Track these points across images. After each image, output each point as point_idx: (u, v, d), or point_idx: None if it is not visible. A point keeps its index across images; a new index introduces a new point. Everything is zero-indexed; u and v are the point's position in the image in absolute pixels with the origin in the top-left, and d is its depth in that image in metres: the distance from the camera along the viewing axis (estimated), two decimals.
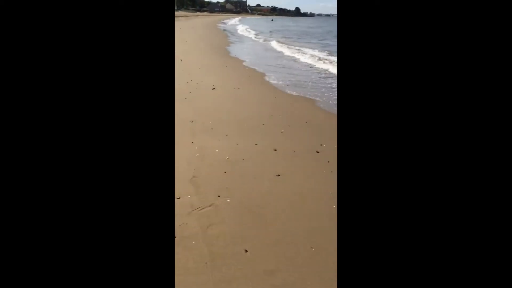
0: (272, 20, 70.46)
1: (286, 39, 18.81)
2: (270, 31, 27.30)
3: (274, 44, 15.59)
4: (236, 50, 12.09)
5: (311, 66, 9.23)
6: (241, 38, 18.93)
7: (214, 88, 5.76)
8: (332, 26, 43.12)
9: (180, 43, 12.43)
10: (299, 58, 10.68)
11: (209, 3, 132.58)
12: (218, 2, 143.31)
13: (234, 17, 76.08)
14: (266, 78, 7.07)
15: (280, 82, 6.71)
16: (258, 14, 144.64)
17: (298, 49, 12.93)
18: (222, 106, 4.76)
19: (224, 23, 41.70)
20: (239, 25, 38.15)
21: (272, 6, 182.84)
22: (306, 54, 11.51)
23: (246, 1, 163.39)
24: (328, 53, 11.88)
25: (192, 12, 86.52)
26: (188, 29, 22.70)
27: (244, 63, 9.07)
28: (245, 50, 12.51)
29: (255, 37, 20.20)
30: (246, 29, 28.48)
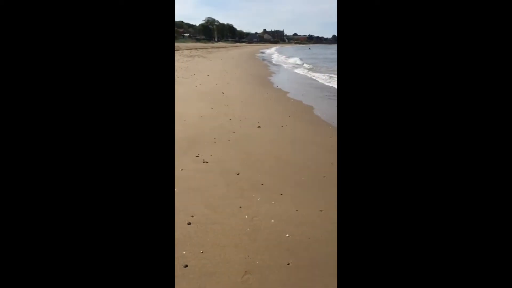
0: (309, 48, 70.71)
1: (328, 70, 18.19)
2: (312, 62, 26.91)
3: (318, 75, 15.00)
4: (278, 81, 11.63)
5: None
6: (280, 67, 18.64)
7: (259, 127, 5.12)
8: None
9: (221, 74, 12.27)
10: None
11: (248, 34, 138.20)
12: (256, 33, 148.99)
13: (271, 46, 77.92)
14: (316, 112, 6.33)
15: (334, 118, 5.93)
16: (295, 43, 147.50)
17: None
18: (270, 150, 4.05)
19: (263, 52, 42.43)
20: (274, 53, 38.53)
21: (309, 35, 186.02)
22: None
23: (283, 31, 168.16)
24: None
25: (231, 43, 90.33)
26: (228, 59, 23.08)
27: (288, 95, 8.46)
28: (287, 81, 12.01)
29: (294, 66, 19.86)
30: (283, 57, 28.45)
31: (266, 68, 17.71)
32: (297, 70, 16.74)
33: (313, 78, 13.06)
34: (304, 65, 20.11)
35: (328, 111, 6.50)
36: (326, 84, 11.06)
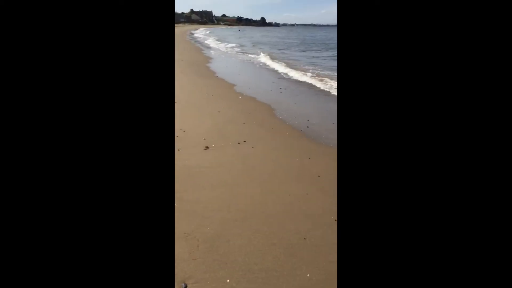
0: (239, 30, 69.68)
1: (268, 51, 16.92)
2: (253, 44, 25.24)
3: (261, 57, 13.58)
4: (219, 68, 9.88)
5: (323, 89, 7.25)
6: (218, 52, 16.73)
7: (207, 148, 3.50)
8: (304, 36, 42.39)
9: None
10: (300, 78, 8.70)
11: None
12: (183, 13, 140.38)
13: (200, 28, 73.88)
14: (278, 115, 4.93)
15: (305, 124, 4.57)
16: (224, 25, 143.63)
17: (291, 65, 11.02)
18: (227, 202, 2.51)
19: (192, 34, 39.25)
20: (209, 37, 36.02)
21: (238, 17, 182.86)
22: (306, 72, 9.56)
23: (211, 12, 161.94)
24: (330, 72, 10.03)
25: None
26: None
27: (236, 88, 6.90)
28: (229, 68, 10.33)
29: (235, 50, 18.08)
30: (215, 40, 26.40)
31: (200, 52, 15.62)
32: (236, 52, 15.08)
33: (255, 62, 11.64)
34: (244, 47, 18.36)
35: (294, 113, 5.13)
36: (273, 67, 9.75)
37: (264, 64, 11.78)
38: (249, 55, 15.03)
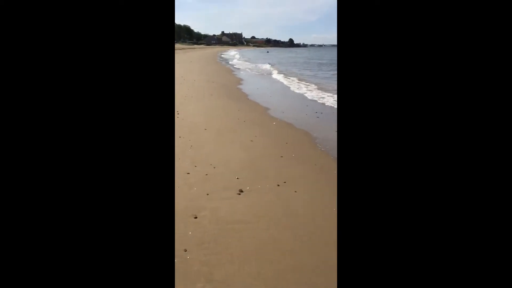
0: (268, 52, 70.44)
1: (302, 77, 16.44)
2: (281, 66, 25.05)
3: (294, 83, 13.12)
4: (250, 90, 9.48)
5: None
6: (249, 73, 16.53)
7: (241, 192, 2.90)
8: (331, 55, 41.86)
9: (177, 81, 9.83)
10: (332, 101, 8.05)
11: (205, 36, 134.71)
12: (214, 35, 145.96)
13: (230, 49, 75.86)
14: (319, 145, 4.28)
15: None
16: (253, 46, 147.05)
17: (321, 87, 10.39)
18: (267, 269, 1.86)
19: (223, 56, 40.05)
20: (238, 57, 36.53)
21: (267, 38, 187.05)
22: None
23: (241, 34, 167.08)
24: None
25: (189, 44, 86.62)
26: (186, 63, 20.41)
27: (270, 112, 6.37)
28: (260, 90, 9.91)
29: (258, 70, 17.84)
30: (246, 61, 26.50)
31: (230, 73, 15.48)
32: (267, 76, 14.75)
33: (288, 86, 11.14)
34: (275, 71, 18.04)
35: (334, 139, 4.44)
36: (307, 96, 9.18)
37: (292, 86, 11.28)
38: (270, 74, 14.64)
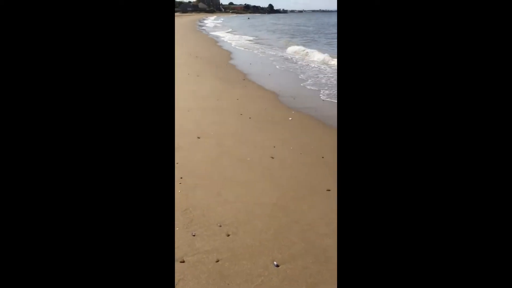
0: (249, 18, 67.03)
1: (300, 43, 14.58)
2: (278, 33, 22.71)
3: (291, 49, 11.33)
4: (246, 67, 7.73)
5: None
6: (234, 44, 14.50)
7: (277, 265, 1.43)
8: (318, 22, 39.47)
9: None
10: None
11: (180, 3, 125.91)
12: (190, 2, 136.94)
13: (209, 17, 71.08)
14: None
15: None
16: (232, 13, 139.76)
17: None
18: None
19: (203, 24, 36.81)
20: (220, 27, 33.61)
21: (245, 4, 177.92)
22: None
23: (219, 0, 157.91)
24: None
25: None
26: None
27: (281, 99, 4.80)
28: (256, 65, 8.16)
29: (250, 41, 15.78)
30: (230, 31, 24.07)
31: (215, 45, 13.42)
32: (256, 46, 12.84)
33: (280, 57, 9.42)
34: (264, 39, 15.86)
35: None
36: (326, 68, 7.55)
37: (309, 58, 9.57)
38: (276, 48, 12.78)
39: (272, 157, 2.89)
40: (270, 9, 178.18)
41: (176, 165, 2.66)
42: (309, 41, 15.17)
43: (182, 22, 36.38)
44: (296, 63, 8.72)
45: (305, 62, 8.80)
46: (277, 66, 8.16)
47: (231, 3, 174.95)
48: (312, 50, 10.33)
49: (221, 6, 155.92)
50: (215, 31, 23.82)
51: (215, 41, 14.88)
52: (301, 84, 6.09)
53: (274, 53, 10.76)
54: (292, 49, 11.21)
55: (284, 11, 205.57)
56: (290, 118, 4.02)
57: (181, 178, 2.46)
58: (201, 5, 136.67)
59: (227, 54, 10.16)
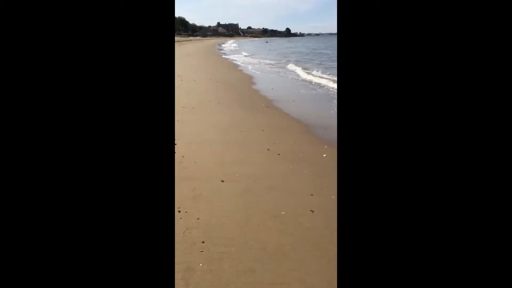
0: (267, 42, 68.28)
1: (323, 70, 14.25)
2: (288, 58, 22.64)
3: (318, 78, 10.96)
4: (269, 92, 7.36)
5: None
6: (257, 68, 14.33)
7: None
8: (334, 44, 39.29)
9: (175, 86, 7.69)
10: None
11: (201, 27, 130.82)
12: (210, 26, 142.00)
13: (227, 40, 72.97)
14: None
15: None
16: (250, 36, 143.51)
17: None
18: None
19: (222, 48, 37.56)
20: (238, 49, 34.08)
21: (263, 28, 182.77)
22: None
23: (237, 24, 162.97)
24: None
25: (184, 37, 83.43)
26: (183, 57, 18.07)
27: (315, 132, 4.29)
28: (281, 91, 7.77)
29: (271, 64, 15.60)
30: (250, 55, 24.21)
31: (236, 69, 13.26)
32: (280, 70, 12.55)
33: (314, 83, 9.00)
34: (291, 64, 15.42)
35: None
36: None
37: (311, 80, 9.14)
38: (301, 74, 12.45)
39: (312, 211, 2.35)
40: (287, 33, 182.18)
41: (197, 222, 2.17)
42: (328, 65, 14.82)
43: (202, 45, 37.24)
44: (322, 87, 8.27)
45: (329, 86, 8.34)
46: (302, 91, 7.74)
47: (249, 27, 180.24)
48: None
49: (240, 30, 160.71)
50: (233, 54, 24.01)
51: (235, 65, 14.77)
52: (332, 112, 5.59)
53: (296, 77, 10.40)
54: (315, 73, 10.82)
55: (301, 35, 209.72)
56: (325, 155, 3.49)
57: (202, 243, 1.96)
58: (220, 29, 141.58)
59: (248, 79, 9.87)
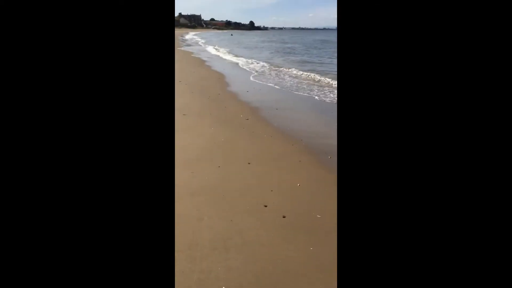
0: (232, 35, 66.49)
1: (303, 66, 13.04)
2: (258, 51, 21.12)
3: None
4: (245, 96, 5.98)
5: None
6: (230, 66, 12.80)
7: None
8: (303, 40, 38.88)
9: None
10: None
11: None
12: None
13: (190, 32, 69.72)
14: None
15: None
16: (213, 29, 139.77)
17: None
18: None
19: (185, 40, 35.20)
20: (203, 42, 32.03)
21: (227, 20, 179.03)
22: None
23: (200, 16, 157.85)
24: None
25: None
26: None
27: (320, 159, 3.03)
28: (260, 94, 6.42)
29: (248, 63, 14.12)
30: (219, 49, 22.51)
31: (203, 65, 11.63)
32: (257, 70, 11.16)
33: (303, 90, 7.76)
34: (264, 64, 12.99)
35: None
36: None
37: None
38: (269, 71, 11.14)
39: None
40: (251, 26, 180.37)
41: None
42: (304, 59, 13.70)
43: None
44: (312, 89, 7.08)
45: (323, 87, 7.17)
46: (284, 95, 6.47)
47: (212, 19, 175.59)
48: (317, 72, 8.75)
49: (202, 22, 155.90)
50: (199, 47, 22.15)
51: (202, 61, 13.10)
52: (328, 124, 4.38)
53: (274, 74, 9.12)
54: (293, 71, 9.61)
55: (265, 28, 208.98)
56: None
57: None
58: (182, 20, 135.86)
59: (220, 78, 8.38)
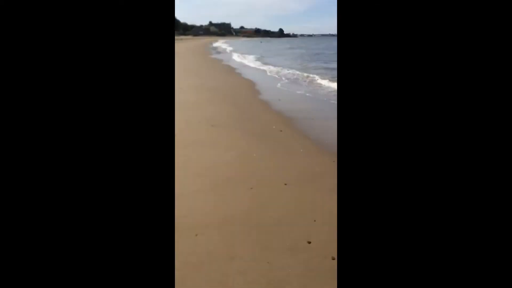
0: (261, 42, 66.91)
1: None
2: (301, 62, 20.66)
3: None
4: (277, 105, 5.62)
5: None
6: (259, 73, 12.55)
7: None
8: (329, 45, 37.99)
9: None
10: None
11: (192, 26, 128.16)
12: (201, 26, 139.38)
13: (219, 40, 71.03)
14: None
15: None
16: (243, 36, 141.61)
17: None
18: None
19: (215, 48, 35.67)
20: (231, 50, 32.22)
21: (256, 28, 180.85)
22: None
23: (230, 24, 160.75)
24: None
25: (175, 35, 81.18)
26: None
27: None
28: (293, 103, 6.03)
29: (279, 75, 13.80)
30: (246, 57, 22.43)
31: (233, 73, 11.46)
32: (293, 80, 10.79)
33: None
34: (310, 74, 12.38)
35: None
36: None
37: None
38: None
39: None
40: (281, 33, 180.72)
41: None
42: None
43: (193, 44, 35.21)
44: None
45: None
46: (319, 104, 6.02)
47: (242, 27, 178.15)
48: None
49: (232, 30, 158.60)
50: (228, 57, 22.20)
51: (232, 68, 12.94)
52: None
53: (306, 82, 8.69)
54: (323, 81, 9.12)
55: (294, 35, 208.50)
56: None
57: None
58: (212, 28, 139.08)
59: (250, 85, 8.10)
